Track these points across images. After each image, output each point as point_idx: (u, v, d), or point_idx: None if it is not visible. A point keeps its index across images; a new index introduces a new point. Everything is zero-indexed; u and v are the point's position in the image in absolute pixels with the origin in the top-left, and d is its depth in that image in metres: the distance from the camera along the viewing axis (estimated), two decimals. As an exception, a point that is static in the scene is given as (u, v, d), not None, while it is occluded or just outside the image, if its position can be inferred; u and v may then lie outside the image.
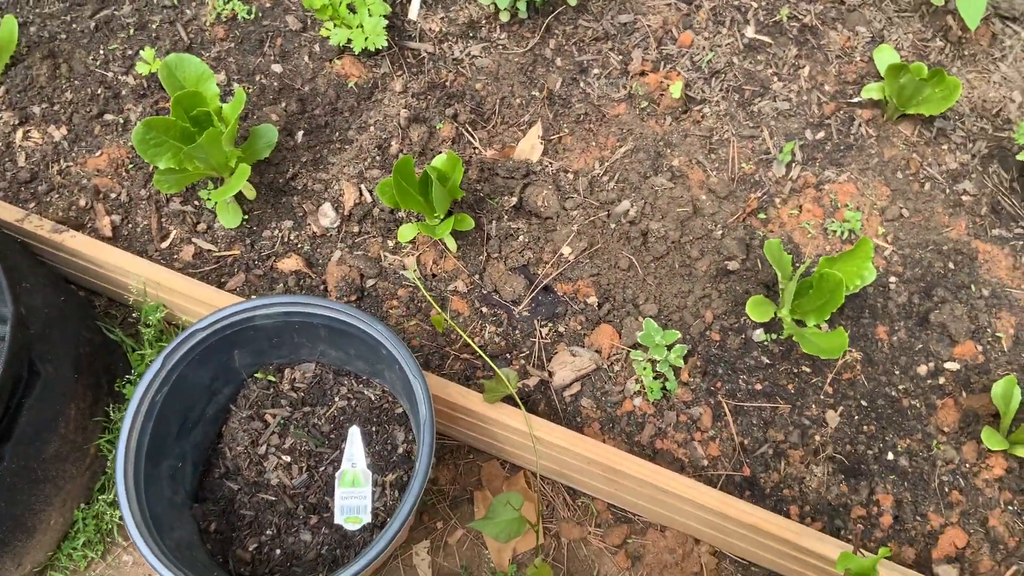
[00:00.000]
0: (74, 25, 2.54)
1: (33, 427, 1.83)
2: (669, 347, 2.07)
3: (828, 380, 2.11)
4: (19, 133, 2.37)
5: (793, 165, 2.38)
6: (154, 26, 2.54)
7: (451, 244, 2.24)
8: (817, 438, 2.05)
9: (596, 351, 2.15)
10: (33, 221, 2.08)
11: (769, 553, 1.96)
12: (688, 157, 2.37)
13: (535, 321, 2.18)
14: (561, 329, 2.18)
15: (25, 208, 2.26)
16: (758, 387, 2.11)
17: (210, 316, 1.78)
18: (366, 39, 2.37)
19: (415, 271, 2.18)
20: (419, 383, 1.72)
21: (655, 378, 2.08)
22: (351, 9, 2.43)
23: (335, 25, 2.44)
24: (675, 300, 2.19)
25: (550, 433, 1.91)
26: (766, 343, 2.15)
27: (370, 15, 2.38)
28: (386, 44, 2.36)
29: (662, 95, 2.45)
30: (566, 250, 2.24)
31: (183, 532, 1.80)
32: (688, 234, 2.25)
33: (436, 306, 2.09)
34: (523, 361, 2.14)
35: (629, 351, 2.11)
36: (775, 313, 2.07)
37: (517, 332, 2.18)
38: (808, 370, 2.13)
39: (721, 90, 2.49)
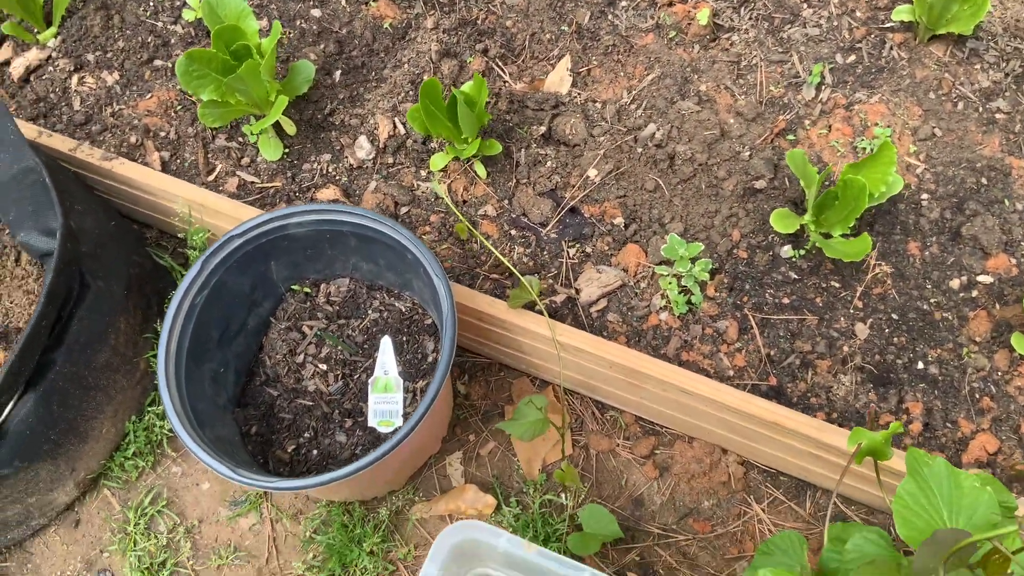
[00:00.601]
0: (126, -20, 2.69)
1: (84, 336, 1.95)
2: (693, 260, 2.10)
3: (857, 294, 2.12)
4: (74, 79, 2.51)
5: (823, 88, 2.38)
6: (200, -23, 2.67)
7: (481, 171, 2.30)
8: (845, 348, 2.06)
9: (623, 270, 2.19)
10: (84, 150, 2.21)
11: (795, 457, 1.97)
12: (716, 82, 2.40)
13: (563, 242, 2.23)
14: (588, 250, 2.22)
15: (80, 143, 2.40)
16: (785, 301, 2.12)
17: (246, 223, 1.87)
18: (398, -23, 2.45)
19: (440, 182, 2.25)
20: (441, 283, 1.79)
21: (680, 292, 2.11)
22: (384, -50, 2.52)
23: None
24: (702, 220, 2.22)
25: (572, 338, 1.95)
26: (794, 259, 2.16)
27: (402, -45, 2.46)
28: (417, -20, 2.44)
29: (690, 24, 2.48)
30: (592, 172, 2.28)
31: (225, 432, 1.90)
32: (715, 156, 2.28)
33: (459, 214, 2.16)
34: (551, 280, 2.19)
35: (655, 268, 2.14)
36: (800, 224, 2.08)
37: (545, 253, 2.23)
38: (837, 285, 2.13)
39: (750, 19, 2.51)
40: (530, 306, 2.05)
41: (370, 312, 2.08)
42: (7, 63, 2.56)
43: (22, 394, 1.88)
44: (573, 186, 2.28)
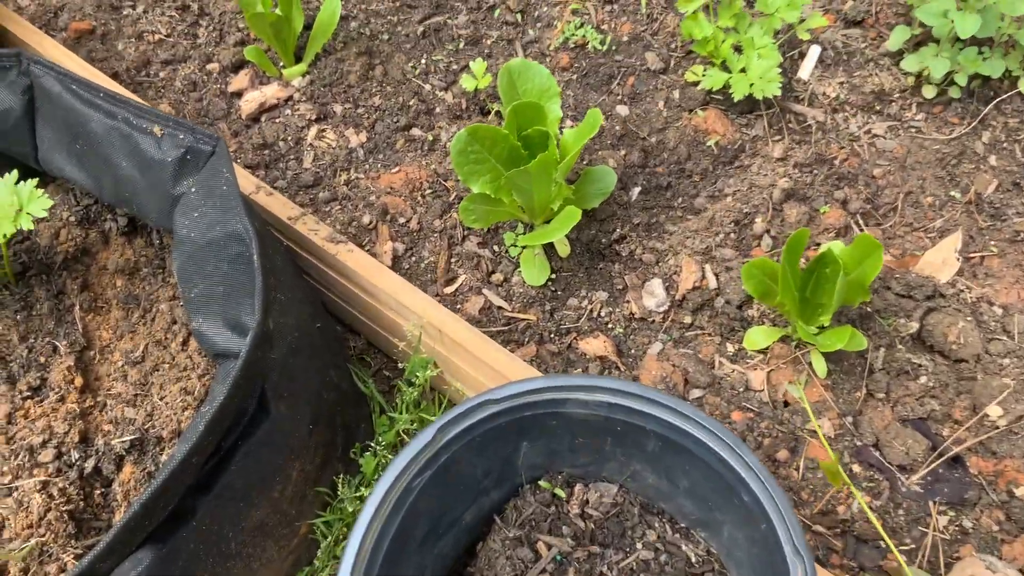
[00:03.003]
0: (399, 28, 2.21)
1: (243, 481, 1.35)
2: None
3: None
4: (313, 130, 2.02)
5: None
6: (488, 42, 2.15)
7: (819, 365, 1.61)
8: None
9: (1020, 570, 1.42)
10: (308, 223, 1.66)
11: None
12: None
13: (930, 502, 1.49)
14: (968, 524, 1.47)
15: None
16: None
17: (510, 387, 1.24)
18: (751, 85, 1.84)
19: (799, 387, 1.56)
20: (802, 564, 1.08)
21: None
22: (736, 50, 1.92)
23: (710, 66, 1.94)
24: None
25: None
26: None
27: (759, 59, 1.86)
28: (779, 93, 1.82)
29: None
30: (994, 411, 1.54)
31: None
32: None
33: (825, 444, 1.45)
34: (904, 557, 1.45)
35: (1083, 584, 1.37)
36: None
37: (900, 511, 1.49)
38: None
39: None
40: (891, 605, 1.31)
41: (640, 546, 1.39)
42: (239, 94, 2.11)
43: (139, 546, 1.29)
44: (958, 422, 1.55)
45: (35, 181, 1.45)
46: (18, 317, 1.66)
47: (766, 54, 1.86)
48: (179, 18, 2.24)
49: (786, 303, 1.55)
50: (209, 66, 2.15)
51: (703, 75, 1.94)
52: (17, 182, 1.44)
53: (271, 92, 2.07)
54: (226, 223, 1.40)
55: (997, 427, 1.53)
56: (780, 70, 1.87)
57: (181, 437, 1.35)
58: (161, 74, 2.13)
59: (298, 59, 2.15)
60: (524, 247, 1.78)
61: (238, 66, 2.15)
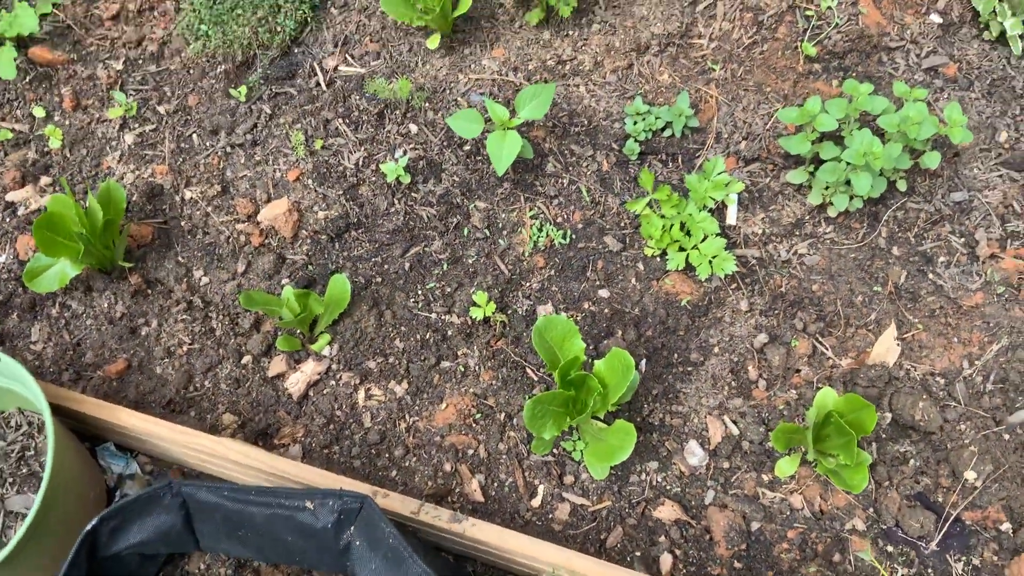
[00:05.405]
0: (386, 266, 2.52)
1: None
2: (1125, 586, 1.89)
3: None
4: (361, 393, 2.34)
5: None
6: (470, 260, 2.50)
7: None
8: None
9: (1020, 583, 1.98)
10: (428, 511, 2.02)
11: None
12: (1071, 349, 2.21)
13: (947, 556, 2.03)
14: (976, 561, 2.02)
15: (387, 474, 2.22)
16: None
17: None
18: (711, 263, 2.28)
19: (868, 552, 2.05)
20: None
21: (1107, 617, 1.90)
22: (684, 229, 2.35)
23: (666, 247, 2.36)
24: (1098, 517, 2.01)
25: None
26: None
27: (705, 237, 2.30)
28: (735, 269, 2.27)
29: (1022, 279, 2.29)
30: (970, 475, 2.08)
31: None
32: (1094, 439, 2.08)
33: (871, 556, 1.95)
34: (942, 602, 1.99)
35: (1067, 586, 1.94)
36: None
37: (930, 571, 2.03)
38: None
39: (1079, 263, 2.33)
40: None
41: None
42: (280, 376, 2.39)
43: None
44: (946, 488, 2.09)
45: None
46: (220, 669, 1.97)
47: (708, 227, 2.30)
48: (190, 318, 2.47)
49: (809, 451, 2.04)
50: (243, 360, 2.41)
51: (657, 249, 2.37)
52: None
53: (311, 370, 2.37)
54: (407, 571, 1.76)
55: (975, 488, 2.08)
56: (717, 226, 2.32)
57: None
58: (206, 383, 2.39)
59: (311, 327, 2.43)
60: (583, 448, 2.19)
61: (267, 350, 2.42)
